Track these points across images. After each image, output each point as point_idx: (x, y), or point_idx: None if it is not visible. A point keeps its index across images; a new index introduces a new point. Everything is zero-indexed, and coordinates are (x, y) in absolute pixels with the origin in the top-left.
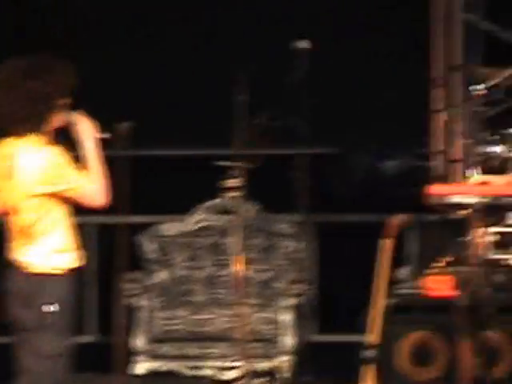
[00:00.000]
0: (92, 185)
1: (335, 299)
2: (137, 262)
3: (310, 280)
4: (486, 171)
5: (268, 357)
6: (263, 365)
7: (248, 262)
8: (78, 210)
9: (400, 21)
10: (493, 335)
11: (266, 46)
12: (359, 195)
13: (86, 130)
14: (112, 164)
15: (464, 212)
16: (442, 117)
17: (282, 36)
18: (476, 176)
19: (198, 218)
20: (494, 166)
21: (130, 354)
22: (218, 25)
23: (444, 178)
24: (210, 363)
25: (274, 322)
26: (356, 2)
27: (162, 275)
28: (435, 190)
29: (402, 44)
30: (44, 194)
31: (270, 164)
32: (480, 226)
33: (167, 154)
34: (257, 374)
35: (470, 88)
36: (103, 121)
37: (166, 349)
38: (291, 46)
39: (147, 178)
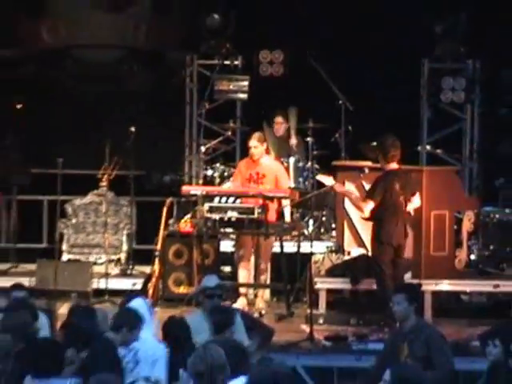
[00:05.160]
0: None
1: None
2: None
3: None
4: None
5: None
6: None
7: None
8: None
9: None
10: (206, 247)
11: None
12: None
13: None
14: None
15: (195, 197)
16: (189, 157)
17: None
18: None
19: None
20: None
21: None
22: None
23: (190, 183)
24: None
25: None
26: None
27: None
28: (186, 188)
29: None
30: None
31: None
32: (202, 203)
33: None
34: None
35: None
36: None
37: None
38: None
39: None
